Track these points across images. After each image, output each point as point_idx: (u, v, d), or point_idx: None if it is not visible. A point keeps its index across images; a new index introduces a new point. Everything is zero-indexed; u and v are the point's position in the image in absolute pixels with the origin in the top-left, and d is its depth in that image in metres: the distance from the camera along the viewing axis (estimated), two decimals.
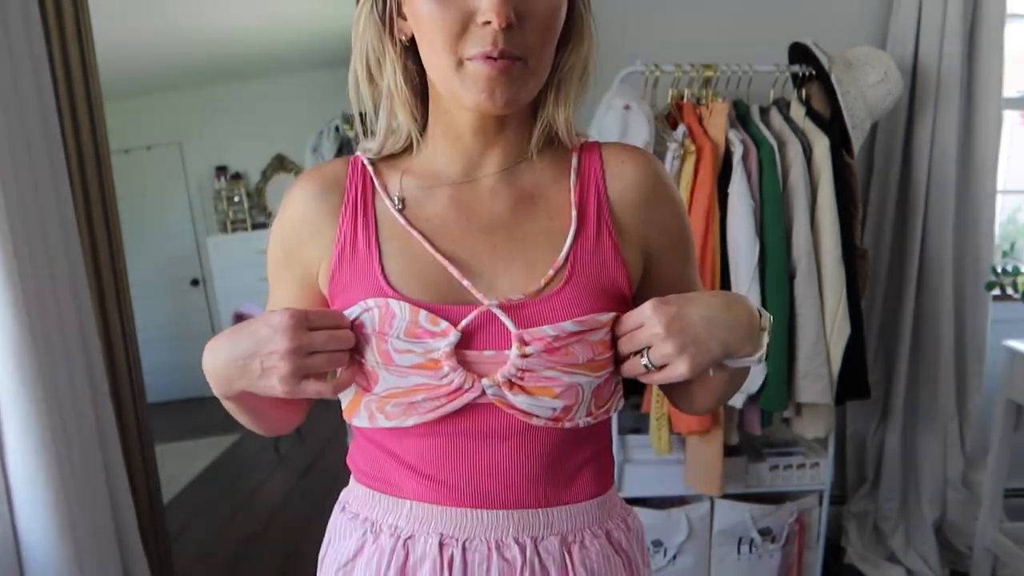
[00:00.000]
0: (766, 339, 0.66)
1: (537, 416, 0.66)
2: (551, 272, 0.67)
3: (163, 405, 4.77)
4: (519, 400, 0.65)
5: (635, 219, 0.72)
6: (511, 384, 0.65)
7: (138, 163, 4.93)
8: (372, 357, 0.66)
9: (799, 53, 1.83)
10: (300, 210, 0.71)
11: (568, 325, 0.65)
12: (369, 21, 0.67)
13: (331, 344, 0.63)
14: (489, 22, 0.59)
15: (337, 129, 2.91)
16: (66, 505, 1.37)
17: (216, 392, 0.68)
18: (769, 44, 1.94)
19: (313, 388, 0.64)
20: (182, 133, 5.05)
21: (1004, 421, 2.00)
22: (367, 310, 0.66)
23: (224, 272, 4.97)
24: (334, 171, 0.73)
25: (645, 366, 0.65)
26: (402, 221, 0.69)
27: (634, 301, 0.70)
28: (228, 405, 0.72)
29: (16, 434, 1.31)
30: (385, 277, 0.67)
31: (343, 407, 0.72)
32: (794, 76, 1.84)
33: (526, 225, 0.70)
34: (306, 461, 3.62)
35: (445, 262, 0.67)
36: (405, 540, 0.70)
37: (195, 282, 5.25)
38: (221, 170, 5.09)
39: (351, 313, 0.66)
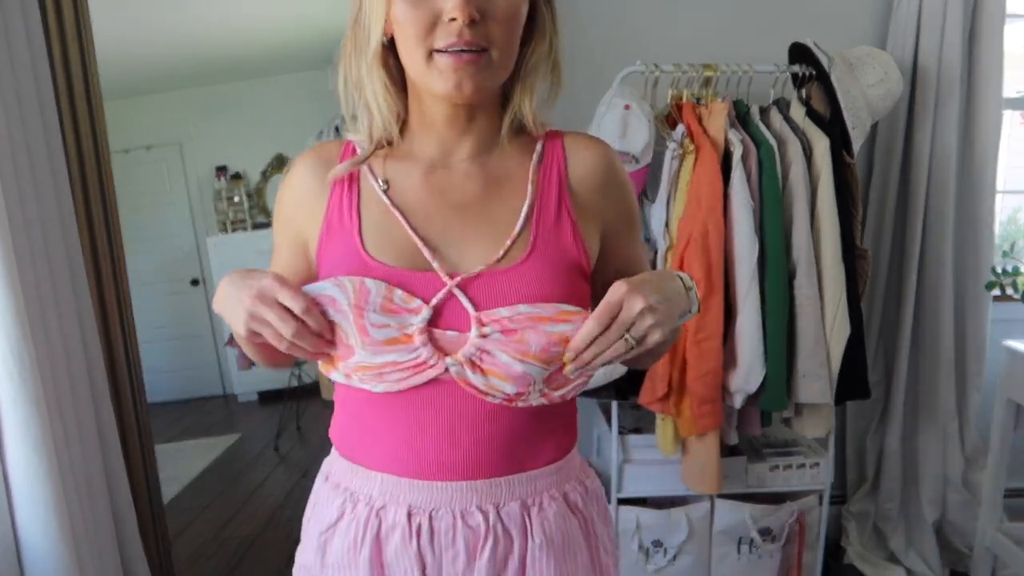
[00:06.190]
0: (696, 296, 0.75)
1: (492, 396, 0.72)
2: (508, 243, 0.74)
3: (163, 405, 4.77)
4: (477, 380, 0.71)
5: (593, 201, 0.80)
6: (472, 364, 0.71)
7: (138, 163, 4.93)
8: (349, 332, 0.70)
9: (799, 53, 1.83)
10: (299, 181, 0.81)
11: (522, 308, 0.70)
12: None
13: (279, 326, 0.68)
14: (455, 19, 0.66)
15: (337, 129, 2.91)
16: (66, 505, 1.37)
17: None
18: (769, 44, 1.94)
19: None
20: (182, 133, 5.05)
21: (1004, 421, 2.00)
22: (339, 285, 0.71)
23: (224, 272, 4.90)
24: (330, 150, 0.82)
25: (626, 340, 0.67)
26: (384, 199, 0.77)
27: (592, 278, 0.79)
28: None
29: (16, 434, 1.31)
30: (363, 244, 0.75)
31: (320, 364, 0.78)
32: (794, 76, 1.84)
33: (495, 205, 0.77)
34: (306, 461, 3.62)
35: (416, 239, 0.74)
36: (378, 510, 0.77)
37: (195, 282, 5.25)
38: (221, 170, 5.09)
39: (322, 288, 0.71)
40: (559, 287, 0.73)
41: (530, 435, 0.77)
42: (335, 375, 0.76)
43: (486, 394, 0.72)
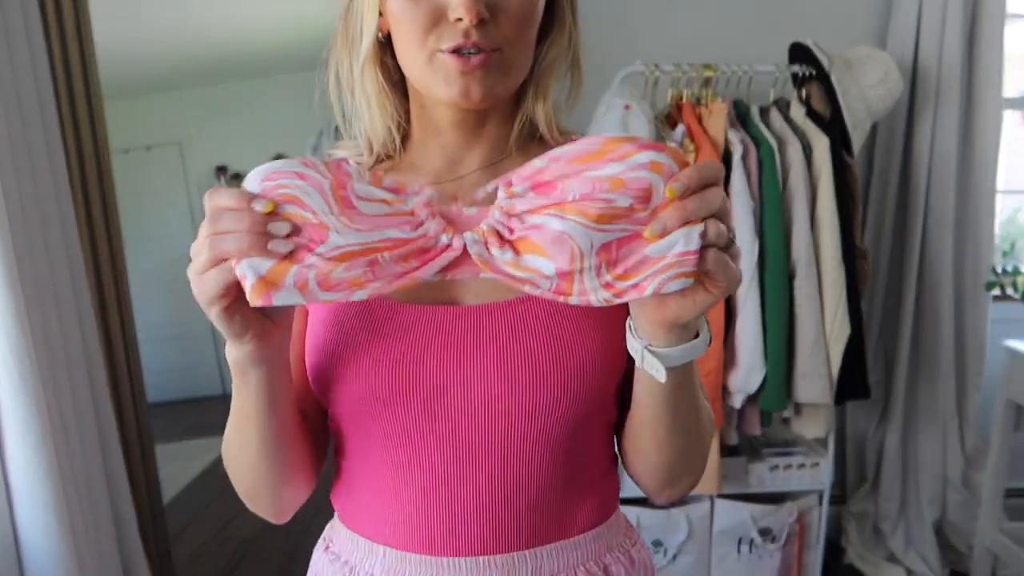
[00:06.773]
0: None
1: (533, 284, 0.50)
2: None
3: (163, 405, 4.76)
4: (505, 258, 0.51)
5: None
6: (498, 236, 0.52)
7: (138, 163, 4.93)
8: (322, 203, 0.49)
9: (799, 53, 1.83)
10: None
11: (559, 151, 0.50)
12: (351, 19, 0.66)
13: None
14: (460, 19, 0.56)
15: (337, 130, 2.91)
16: (66, 505, 1.37)
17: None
18: (769, 44, 1.94)
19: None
20: (182, 133, 5.05)
21: (1004, 421, 2.00)
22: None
23: None
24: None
25: (716, 224, 0.49)
26: None
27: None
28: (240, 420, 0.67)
29: (16, 434, 1.31)
30: None
31: (249, 290, 0.49)
32: (794, 76, 1.84)
33: None
34: None
35: None
36: None
37: None
38: (221, 170, 5.09)
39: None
40: (588, 308, 0.54)
41: (561, 494, 0.64)
42: (279, 296, 0.48)
43: (523, 282, 0.50)
